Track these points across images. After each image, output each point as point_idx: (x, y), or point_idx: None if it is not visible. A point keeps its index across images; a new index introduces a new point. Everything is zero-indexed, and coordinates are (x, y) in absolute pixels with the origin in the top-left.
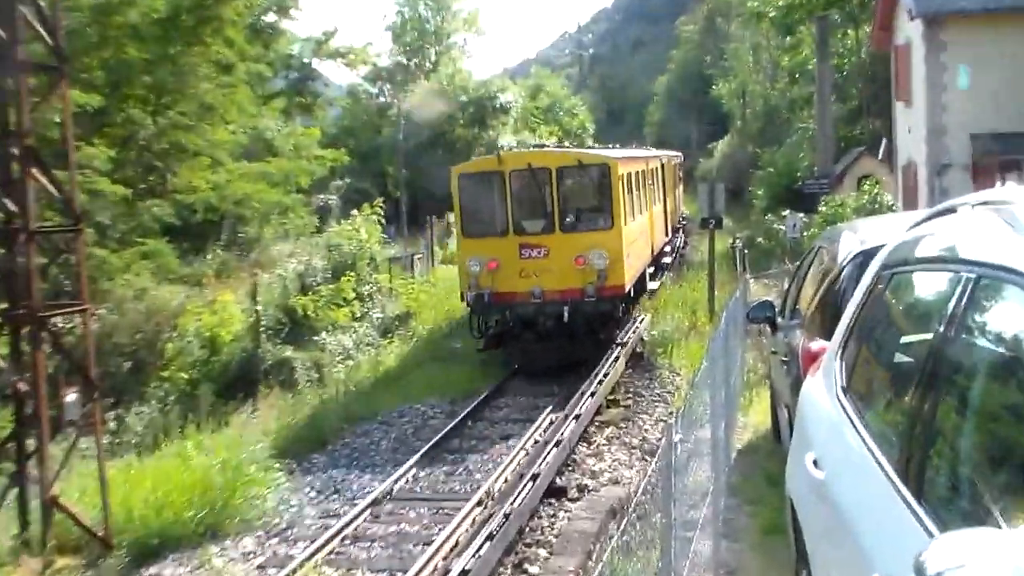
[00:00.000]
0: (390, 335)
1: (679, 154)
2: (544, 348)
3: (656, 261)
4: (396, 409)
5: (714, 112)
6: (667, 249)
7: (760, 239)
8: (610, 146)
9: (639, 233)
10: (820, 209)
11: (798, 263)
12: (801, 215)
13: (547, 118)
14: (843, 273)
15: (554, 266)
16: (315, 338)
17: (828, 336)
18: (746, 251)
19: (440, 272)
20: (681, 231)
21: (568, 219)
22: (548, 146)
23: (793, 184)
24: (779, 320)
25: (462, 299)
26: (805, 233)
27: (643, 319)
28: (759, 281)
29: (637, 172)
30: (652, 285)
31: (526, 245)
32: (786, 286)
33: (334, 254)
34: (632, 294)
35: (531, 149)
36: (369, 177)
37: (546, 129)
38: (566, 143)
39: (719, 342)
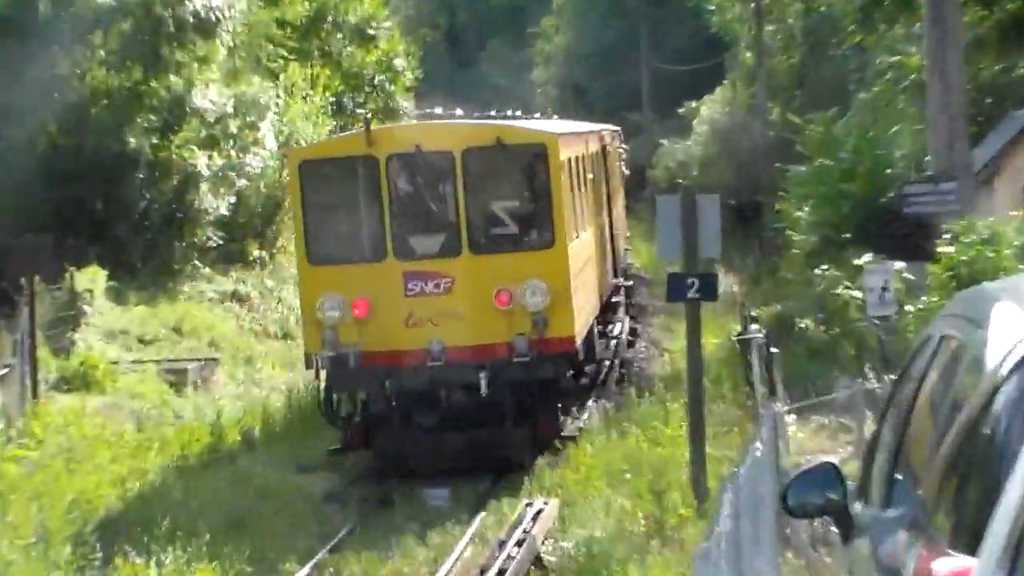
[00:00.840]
0: None
1: (616, 129)
2: (447, 443)
3: (601, 326)
4: None
5: (689, 37)
6: (611, 323)
7: (803, 321)
8: (455, 113)
9: (585, 260)
10: (941, 251)
11: (895, 374)
12: (896, 264)
13: (308, 45)
14: (1002, 396)
15: (462, 308)
16: None
17: (974, 542)
18: (772, 349)
19: (56, 408)
20: (622, 298)
21: (482, 232)
22: (436, 114)
23: (877, 196)
24: (857, 509)
25: (308, 365)
26: (907, 306)
27: (539, 507)
28: (805, 418)
29: (578, 157)
30: (605, 354)
31: (416, 275)
32: (870, 429)
33: None
34: (580, 360)
35: (415, 120)
36: None
37: (306, 70)
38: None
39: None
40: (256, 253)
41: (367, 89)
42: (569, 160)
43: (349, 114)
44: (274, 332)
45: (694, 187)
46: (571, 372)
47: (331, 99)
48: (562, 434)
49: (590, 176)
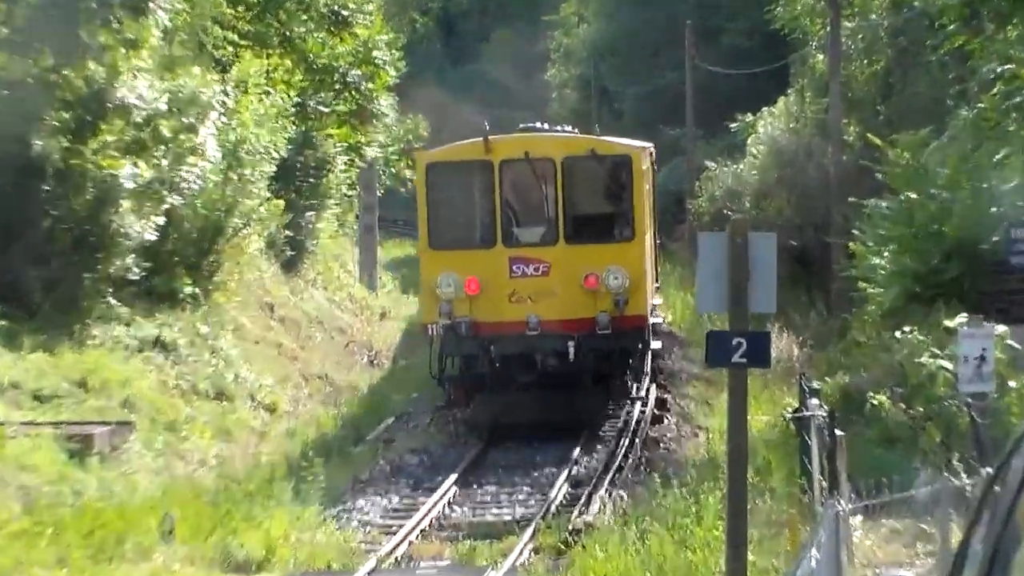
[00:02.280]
0: None
1: (647, 146)
2: (535, 400)
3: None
4: None
5: (746, 34)
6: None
7: (877, 396)
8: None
9: (651, 256)
10: None
11: (991, 468)
12: (998, 328)
13: (265, 30)
14: None
15: (556, 288)
16: None
17: None
18: (837, 432)
19: None
20: (646, 361)
21: (575, 226)
22: (543, 128)
23: (977, 241)
24: None
25: (425, 332)
26: (1011, 382)
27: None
28: (875, 520)
29: (647, 169)
30: (655, 344)
31: (519, 260)
32: (956, 537)
33: None
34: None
35: (522, 132)
36: None
37: (262, 61)
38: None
39: None
40: (188, 290)
41: (337, 87)
42: (645, 171)
43: (315, 117)
44: (205, 391)
45: (746, 222)
46: (640, 345)
47: (294, 98)
48: (584, 519)
49: (647, 187)
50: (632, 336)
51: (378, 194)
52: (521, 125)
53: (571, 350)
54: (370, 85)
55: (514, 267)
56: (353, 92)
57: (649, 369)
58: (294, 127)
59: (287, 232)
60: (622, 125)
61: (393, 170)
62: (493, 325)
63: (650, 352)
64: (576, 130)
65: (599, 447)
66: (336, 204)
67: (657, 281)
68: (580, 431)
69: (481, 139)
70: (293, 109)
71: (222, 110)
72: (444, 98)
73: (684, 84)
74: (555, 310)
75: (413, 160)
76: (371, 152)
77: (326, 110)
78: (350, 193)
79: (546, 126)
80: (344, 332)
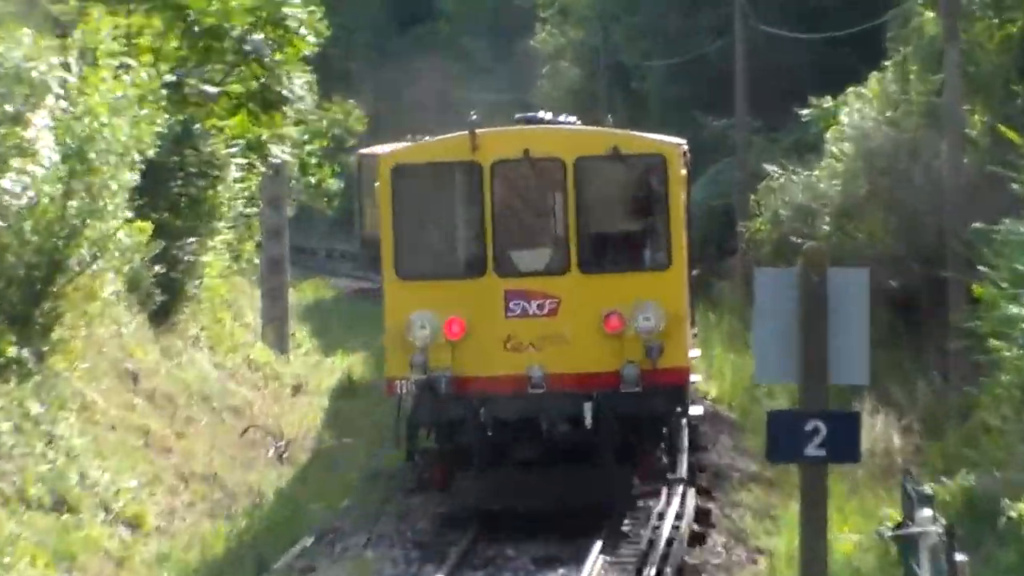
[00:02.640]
0: None
1: (682, 143)
2: (539, 481)
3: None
4: None
5: None
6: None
7: (1016, 506)
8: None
9: (691, 288)
10: None
11: None
12: None
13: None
14: None
15: (568, 331)
16: None
17: None
18: (958, 556)
19: None
20: (683, 435)
21: (593, 249)
22: (544, 118)
23: None
24: None
25: (391, 391)
26: None
27: None
28: None
29: (687, 175)
30: (695, 410)
31: (518, 294)
32: None
33: None
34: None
35: (521, 124)
36: None
37: (120, 19)
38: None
39: None
40: (12, 352)
41: (230, 58)
42: (682, 177)
43: (198, 103)
44: (38, 498)
45: (825, 253)
46: (679, 409)
47: (167, 75)
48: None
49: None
50: (669, 396)
51: (289, 214)
52: (518, 115)
53: (588, 414)
54: (278, 56)
55: (511, 304)
56: (254, 66)
57: (684, 456)
58: (167, 116)
59: (157, 268)
60: (644, 114)
61: (312, 179)
62: (483, 381)
63: (687, 423)
64: (579, 121)
65: None
66: (229, 227)
67: (694, 326)
68: (597, 527)
69: (466, 133)
70: (165, 90)
71: (61, 92)
72: (388, 74)
73: (732, 56)
74: (566, 361)
75: (358, 163)
76: (279, 153)
77: (213, 91)
78: (249, 212)
79: (548, 115)
80: (240, 413)
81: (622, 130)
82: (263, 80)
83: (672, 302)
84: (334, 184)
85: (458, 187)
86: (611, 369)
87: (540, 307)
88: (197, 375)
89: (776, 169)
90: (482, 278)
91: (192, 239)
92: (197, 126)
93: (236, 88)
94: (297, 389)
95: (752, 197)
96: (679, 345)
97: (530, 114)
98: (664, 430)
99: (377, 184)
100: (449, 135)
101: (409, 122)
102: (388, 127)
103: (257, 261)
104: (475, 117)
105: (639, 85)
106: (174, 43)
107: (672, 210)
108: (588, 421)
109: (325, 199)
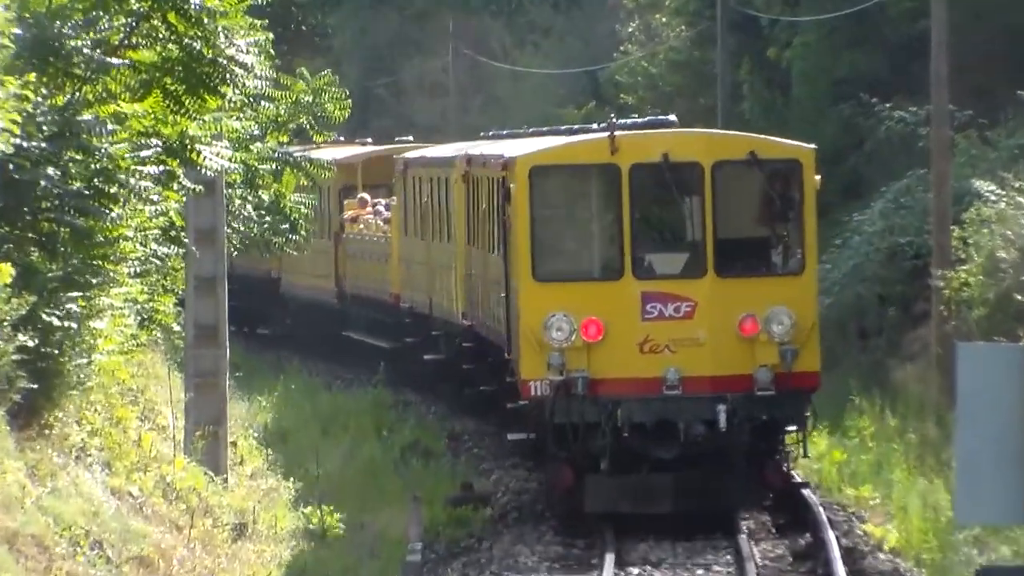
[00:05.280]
0: None
1: (813, 147)
2: (675, 483)
3: None
4: None
5: None
6: None
7: None
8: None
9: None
10: None
11: None
12: None
13: None
14: None
15: (703, 334)
16: None
17: None
18: None
19: None
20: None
21: (730, 253)
22: (672, 124)
23: None
24: None
25: (526, 393)
26: None
27: None
28: None
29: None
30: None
31: (655, 297)
32: None
33: None
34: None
35: (655, 129)
36: None
37: None
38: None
39: None
40: None
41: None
42: (817, 182)
43: (87, 76)
44: None
45: None
46: (807, 415)
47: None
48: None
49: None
50: (800, 400)
51: (232, 251)
52: (645, 118)
53: (722, 417)
54: (212, 4)
55: (648, 306)
56: (173, 19)
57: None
58: (36, 97)
59: (21, 339)
60: (783, 97)
61: (266, 198)
62: (619, 383)
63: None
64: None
65: None
66: (135, 276)
67: None
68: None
69: (605, 136)
70: (33, 62)
71: None
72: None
73: (926, 12)
74: (702, 364)
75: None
76: (214, 158)
77: (113, 63)
78: (168, 251)
79: (673, 118)
80: (151, 568)
81: (758, 135)
82: (189, 44)
83: (805, 308)
84: (307, 206)
85: (596, 190)
86: (745, 372)
87: (676, 310)
88: (83, 507)
89: (993, 188)
90: (619, 280)
91: (76, 293)
92: (83, 118)
93: (145, 56)
94: (240, 530)
95: (955, 232)
96: (812, 349)
97: (660, 116)
98: (783, 436)
99: (513, 186)
100: (587, 136)
101: (418, 112)
102: (384, 116)
103: (179, 327)
104: (613, 118)
105: (778, 51)
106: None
107: (806, 215)
108: (723, 424)
109: (289, 236)
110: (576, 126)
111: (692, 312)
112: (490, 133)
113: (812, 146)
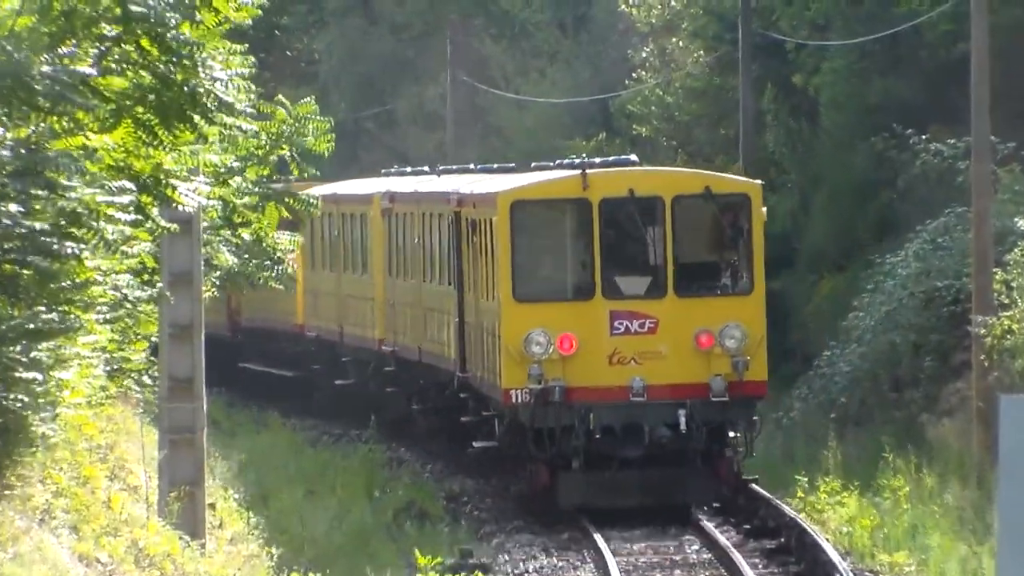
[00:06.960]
0: None
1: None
2: (638, 480)
3: None
4: None
5: None
6: None
7: None
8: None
9: None
10: None
11: None
12: None
13: None
14: None
15: (665, 348)
16: None
17: None
18: None
19: None
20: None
21: (687, 276)
22: (634, 163)
23: None
24: None
25: (506, 400)
26: None
27: None
28: None
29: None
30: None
31: (622, 315)
32: None
33: None
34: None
35: (620, 168)
36: None
37: None
38: None
39: None
40: None
41: (107, 29)
42: (764, 213)
43: (48, 107)
44: None
45: None
46: (755, 419)
47: None
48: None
49: None
50: (749, 406)
51: (207, 296)
52: (614, 157)
53: (682, 420)
54: (187, 29)
55: (616, 323)
56: (146, 43)
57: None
58: None
59: None
60: (810, 126)
61: (247, 238)
62: (591, 391)
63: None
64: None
65: None
66: (104, 322)
67: None
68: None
69: (578, 173)
70: None
71: None
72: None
73: (964, 36)
74: (664, 373)
75: (491, 200)
76: (190, 194)
77: (79, 90)
78: (140, 295)
79: (634, 158)
80: None
81: (713, 172)
82: (163, 68)
83: (754, 323)
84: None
85: (569, 221)
86: (701, 380)
87: (641, 326)
88: (48, 575)
89: None
90: (590, 300)
91: (42, 344)
92: (40, 143)
93: (117, 82)
94: None
95: (997, 274)
96: (760, 360)
97: (624, 156)
98: (732, 436)
99: (495, 218)
100: (560, 174)
101: (412, 144)
102: (374, 149)
103: (151, 379)
104: (585, 157)
105: (804, 78)
106: (8, 2)
107: (755, 242)
108: (683, 425)
109: (271, 275)
110: (511, 164)
111: (655, 328)
112: (393, 169)
113: (759, 182)
